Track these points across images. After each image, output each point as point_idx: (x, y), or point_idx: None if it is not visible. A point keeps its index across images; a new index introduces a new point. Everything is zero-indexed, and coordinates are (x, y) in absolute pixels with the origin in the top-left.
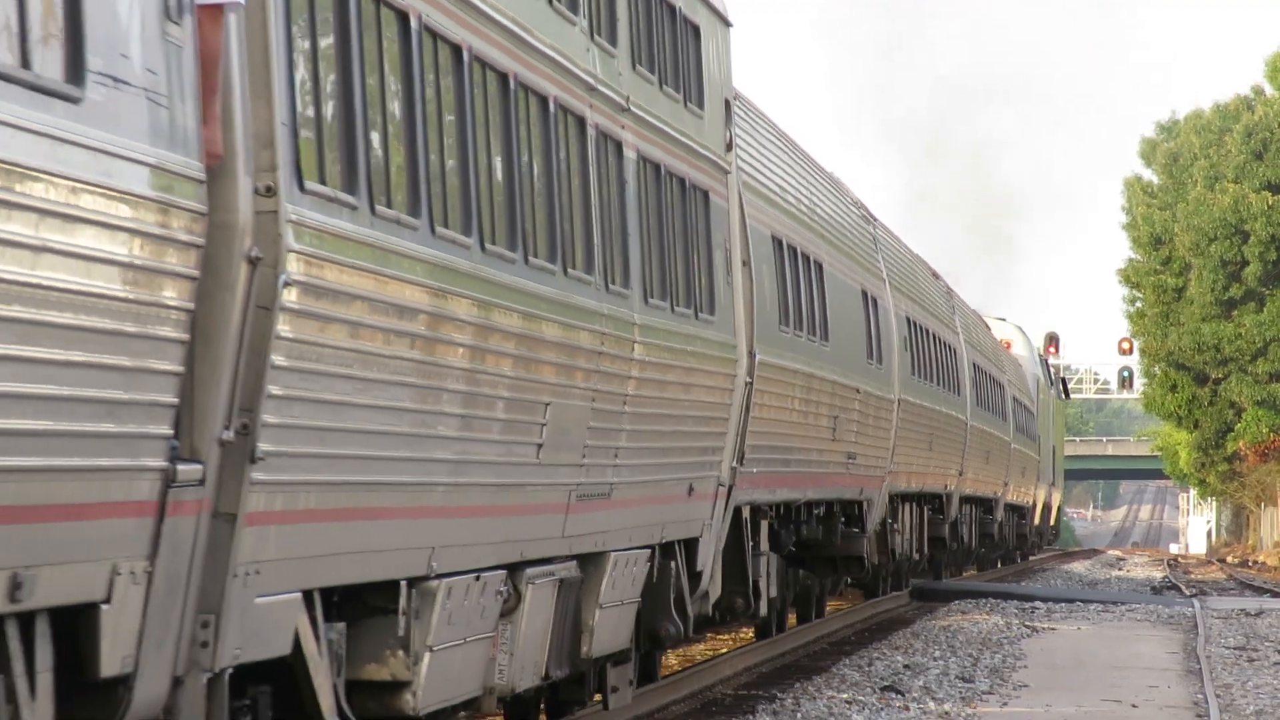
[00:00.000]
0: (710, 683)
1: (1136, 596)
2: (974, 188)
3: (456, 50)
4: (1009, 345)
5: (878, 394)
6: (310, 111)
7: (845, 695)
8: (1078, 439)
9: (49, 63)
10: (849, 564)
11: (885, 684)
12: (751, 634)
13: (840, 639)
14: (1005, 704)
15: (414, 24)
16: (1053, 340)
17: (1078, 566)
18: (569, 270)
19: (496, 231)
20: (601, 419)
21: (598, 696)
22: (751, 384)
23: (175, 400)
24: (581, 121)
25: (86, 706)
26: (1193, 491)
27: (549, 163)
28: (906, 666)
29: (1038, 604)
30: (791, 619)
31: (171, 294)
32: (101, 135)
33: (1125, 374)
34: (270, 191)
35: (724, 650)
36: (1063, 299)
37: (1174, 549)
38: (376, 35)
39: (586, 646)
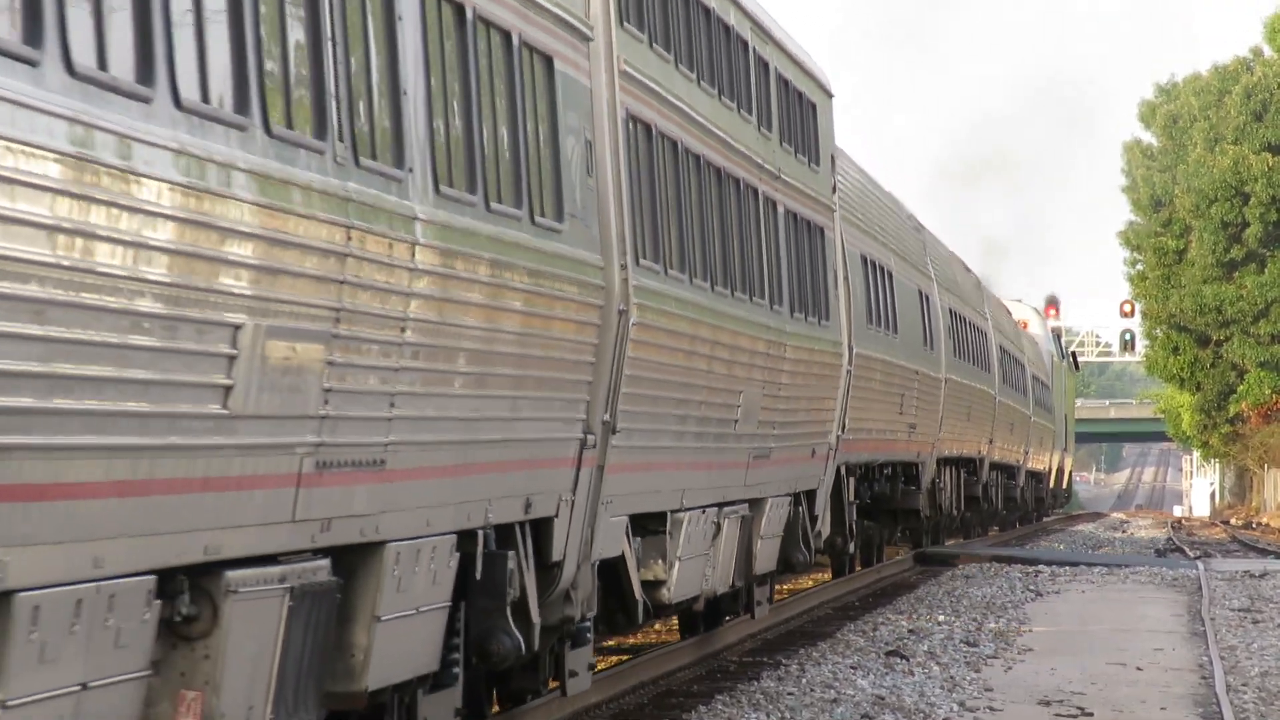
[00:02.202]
0: (715, 649)
1: (1140, 559)
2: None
3: (698, 159)
4: (1025, 325)
5: (930, 374)
6: (642, 221)
7: (850, 660)
8: (1080, 402)
9: (543, 207)
10: (906, 516)
11: (890, 649)
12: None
13: (845, 604)
14: (1010, 668)
15: (680, 149)
16: (1053, 303)
17: (1081, 530)
18: (754, 297)
19: (730, 278)
20: (768, 401)
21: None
22: (851, 371)
23: (587, 398)
24: (755, 191)
25: (544, 578)
26: (1196, 454)
27: (744, 227)
28: (911, 631)
29: (1042, 567)
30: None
31: (590, 337)
32: (571, 250)
33: (1127, 337)
34: (624, 269)
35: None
36: (1063, 261)
37: (1177, 511)
38: (676, 171)
39: (754, 566)
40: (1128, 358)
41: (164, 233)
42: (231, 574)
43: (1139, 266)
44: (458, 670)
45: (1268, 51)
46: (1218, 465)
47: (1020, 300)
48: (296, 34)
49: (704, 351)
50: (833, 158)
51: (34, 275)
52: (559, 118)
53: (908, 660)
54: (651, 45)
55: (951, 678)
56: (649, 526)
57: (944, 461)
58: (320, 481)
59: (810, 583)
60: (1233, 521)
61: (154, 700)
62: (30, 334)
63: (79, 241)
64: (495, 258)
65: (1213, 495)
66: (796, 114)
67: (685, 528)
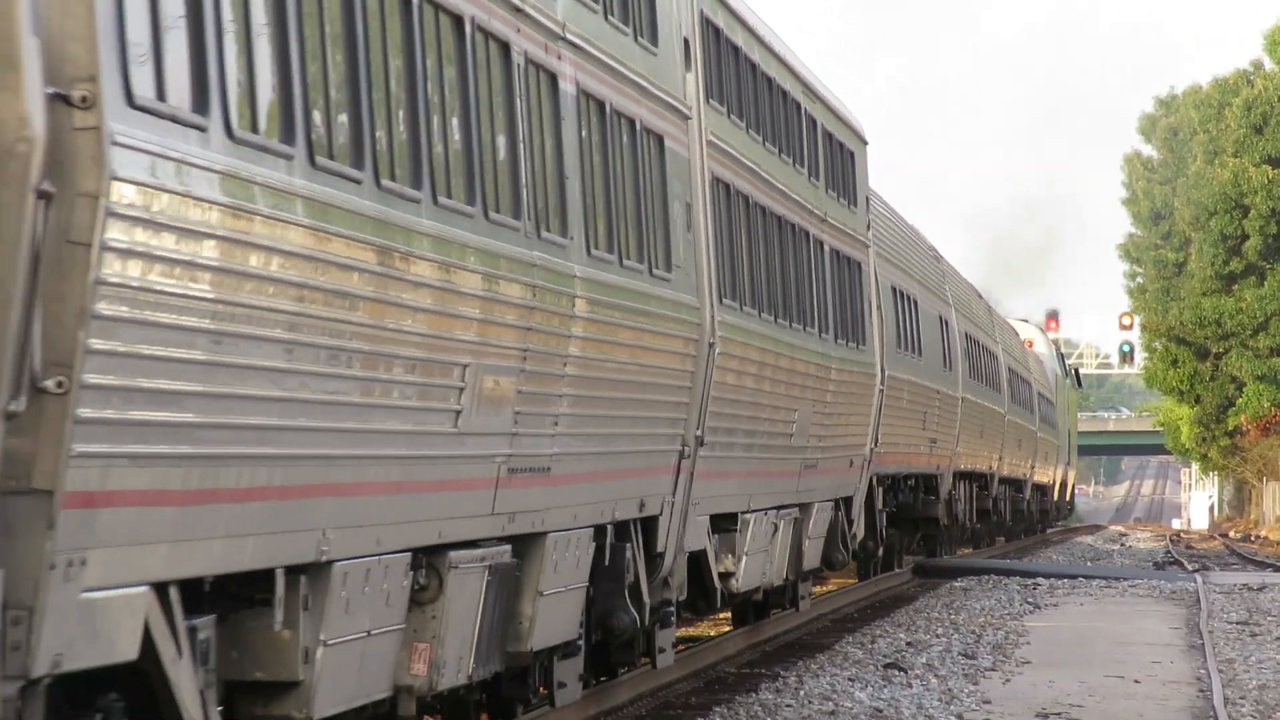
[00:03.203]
0: (713, 661)
1: (1139, 572)
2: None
3: (764, 210)
4: (1031, 344)
5: (950, 393)
6: (724, 266)
7: (848, 673)
8: (1080, 415)
9: (658, 260)
10: (926, 524)
11: (888, 661)
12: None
13: (843, 616)
14: (1008, 680)
15: (751, 203)
16: (1052, 316)
17: (1080, 542)
18: (807, 327)
19: (789, 311)
20: (816, 418)
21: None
22: (883, 391)
23: (685, 416)
24: (807, 234)
25: (650, 566)
26: (1194, 466)
27: (798, 266)
28: (909, 644)
29: (1040, 580)
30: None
31: (688, 365)
32: (677, 295)
33: (1126, 349)
34: (712, 307)
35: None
36: (1062, 273)
37: (1176, 524)
38: (748, 221)
39: (803, 563)
40: (1127, 370)
41: (426, 299)
42: (453, 554)
43: (1139, 279)
44: (579, 642)
45: (1268, 64)
46: (1216, 478)
47: (1026, 320)
48: (502, 136)
49: (769, 375)
50: (867, 199)
51: (354, 332)
52: (668, 185)
53: (906, 672)
54: (729, 116)
55: (949, 690)
56: (722, 525)
57: (959, 475)
58: (510, 484)
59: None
60: (1231, 534)
61: (400, 649)
62: (348, 375)
63: (383, 309)
64: (627, 304)
65: (1211, 508)
66: (838, 162)
67: (751, 527)
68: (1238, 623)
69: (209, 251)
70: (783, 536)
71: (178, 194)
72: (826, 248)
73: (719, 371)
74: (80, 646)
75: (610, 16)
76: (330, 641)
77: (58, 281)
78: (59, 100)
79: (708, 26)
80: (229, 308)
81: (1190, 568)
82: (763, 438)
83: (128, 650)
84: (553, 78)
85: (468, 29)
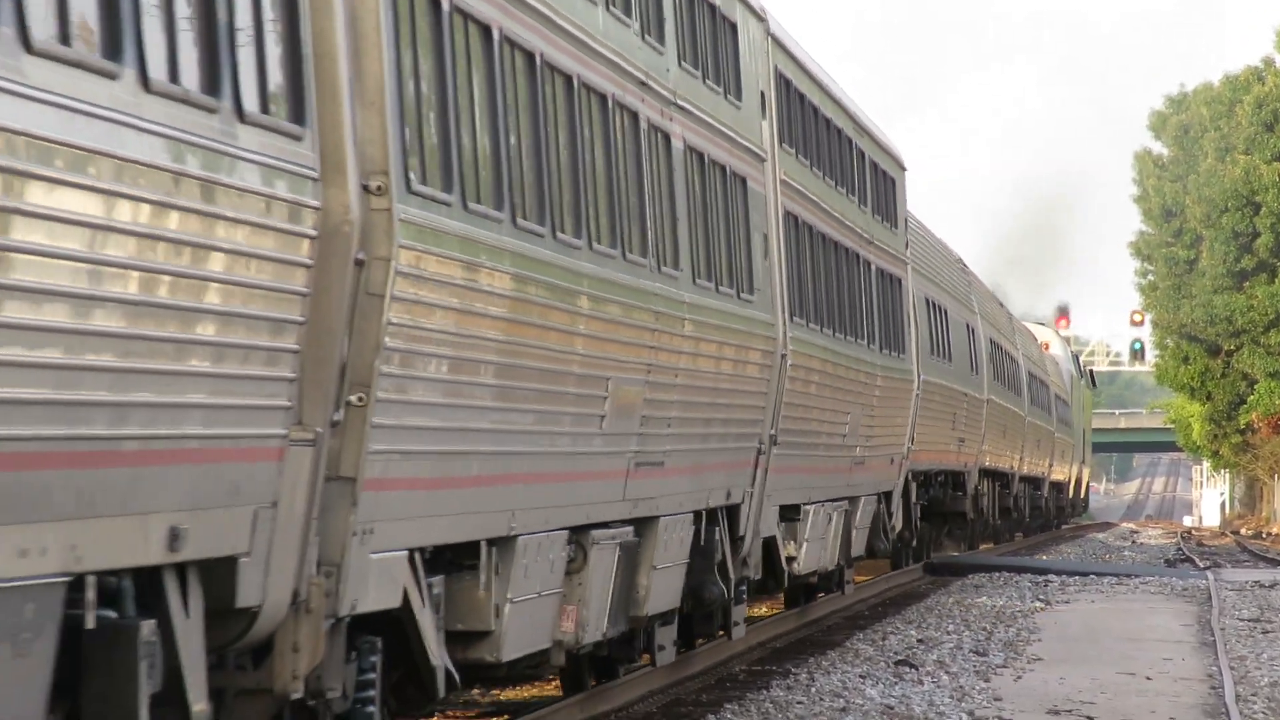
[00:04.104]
0: (724, 658)
1: (1150, 569)
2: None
3: (824, 237)
4: (1047, 346)
5: (976, 396)
6: (794, 287)
7: (859, 669)
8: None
9: (744, 285)
10: (954, 518)
11: (899, 658)
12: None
13: (854, 613)
14: (1019, 677)
15: (814, 231)
16: (1064, 312)
17: (1092, 539)
18: (858, 339)
19: (844, 325)
20: (864, 419)
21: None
22: (919, 394)
23: (763, 418)
24: (858, 256)
25: (733, 548)
26: (1206, 464)
27: (851, 285)
28: (920, 640)
29: (1051, 577)
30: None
31: (766, 375)
32: (757, 314)
33: (1137, 346)
34: (784, 324)
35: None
36: (1072, 270)
37: (1187, 521)
38: (811, 248)
39: (851, 550)
40: (1138, 367)
41: (587, 327)
42: (595, 532)
43: (1149, 276)
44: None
45: (1279, 61)
46: (1228, 475)
47: (1042, 324)
48: (633, 190)
49: (829, 383)
50: (905, 220)
51: (539, 355)
52: (750, 220)
53: (917, 669)
54: (797, 156)
55: (961, 687)
56: (786, 515)
57: (983, 472)
58: (635, 475)
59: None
60: (1243, 531)
61: (556, 610)
62: (534, 388)
63: (558, 336)
64: (722, 324)
65: (1223, 505)
66: (882, 188)
67: (811, 517)
68: (1249, 620)
69: (451, 298)
70: (835, 526)
71: (435, 255)
72: (873, 267)
73: (789, 380)
74: (368, 595)
75: (707, 80)
76: (514, 600)
77: (361, 323)
78: (362, 189)
79: (779, 79)
80: (466, 339)
81: (1202, 565)
82: (822, 438)
83: (394, 599)
84: (666, 137)
85: (610, 105)
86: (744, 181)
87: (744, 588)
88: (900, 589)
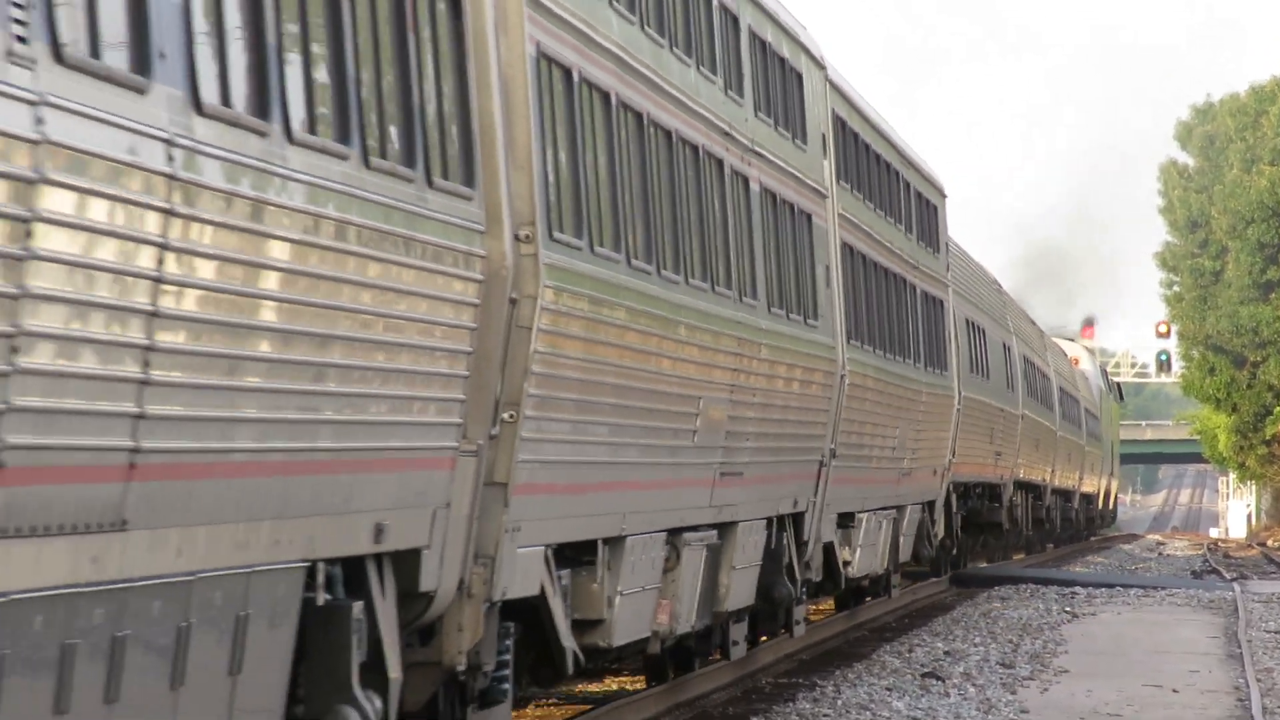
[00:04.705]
0: (750, 670)
1: (1176, 581)
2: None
3: (876, 264)
4: (1077, 362)
5: (1011, 411)
6: (852, 313)
7: (885, 682)
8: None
9: (809, 312)
10: (990, 528)
11: (926, 670)
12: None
13: (881, 625)
14: (1046, 690)
15: (868, 260)
16: (1089, 323)
17: (1118, 550)
18: (906, 358)
19: (894, 345)
20: (912, 433)
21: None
22: (960, 410)
23: (824, 434)
24: (905, 280)
25: (798, 551)
26: (1232, 475)
27: (900, 307)
28: (947, 653)
29: (1078, 589)
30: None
31: (828, 394)
32: (820, 338)
33: (1163, 357)
34: (843, 347)
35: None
36: (1097, 281)
37: (1214, 533)
38: (866, 275)
39: (899, 555)
40: (1164, 378)
41: (685, 353)
42: (686, 534)
43: (1175, 288)
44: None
45: None
46: (1254, 487)
47: (1073, 339)
48: (719, 229)
49: (881, 400)
50: (946, 245)
51: (647, 377)
52: (814, 253)
53: (943, 682)
54: (853, 191)
55: (987, 699)
56: (842, 522)
57: (1018, 485)
58: (719, 484)
59: (829, 610)
60: (1269, 543)
61: (654, 603)
62: (641, 406)
63: (662, 361)
64: (792, 349)
65: (1249, 517)
66: (925, 215)
67: (864, 524)
68: (1276, 631)
69: (581, 329)
70: (885, 532)
71: (569, 292)
72: (918, 290)
73: (847, 398)
74: (515, 583)
75: (779, 127)
76: (623, 592)
77: (513, 352)
78: (514, 239)
79: (837, 120)
80: (591, 364)
81: (1228, 576)
82: (875, 450)
83: (534, 588)
84: (746, 181)
85: (700, 154)
86: (809, 217)
87: (804, 589)
88: (927, 601)
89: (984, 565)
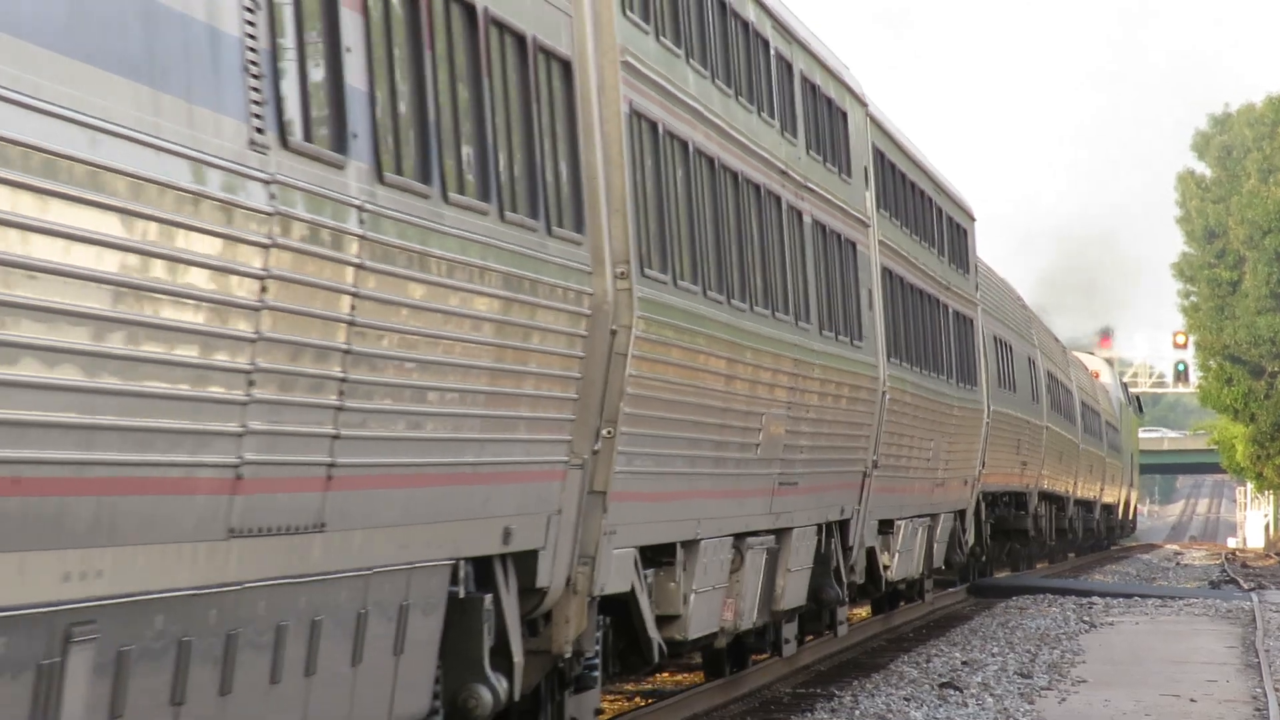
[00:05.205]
0: (768, 680)
1: (1194, 591)
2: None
3: (914, 287)
4: (1097, 375)
5: (1036, 423)
6: (893, 332)
7: (903, 692)
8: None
9: (855, 334)
10: (1016, 536)
11: (944, 680)
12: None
13: (899, 635)
14: (1064, 699)
15: (906, 283)
16: (1106, 334)
17: (1136, 560)
18: (940, 374)
19: (929, 362)
20: (945, 446)
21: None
22: (989, 423)
23: (867, 446)
24: (938, 301)
25: (844, 556)
26: (1250, 485)
27: (934, 327)
28: (965, 663)
29: (1095, 599)
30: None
31: (870, 409)
32: (864, 357)
33: (1180, 367)
34: (885, 365)
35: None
36: (1114, 292)
37: (1231, 543)
38: (904, 298)
39: (932, 560)
40: (1181, 389)
41: (753, 373)
42: (749, 539)
43: (1192, 298)
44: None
45: None
46: (1272, 496)
47: (1092, 352)
48: (778, 261)
49: (918, 415)
50: (975, 265)
51: (719, 395)
52: (858, 278)
53: (961, 692)
54: (891, 219)
55: (1005, 709)
56: (882, 528)
57: (1042, 495)
58: (778, 493)
59: (864, 614)
60: None
61: (721, 601)
62: (713, 423)
63: (734, 383)
64: (840, 368)
65: (1267, 527)
66: (956, 238)
67: (902, 530)
68: None
69: (666, 354)
70: (920, 539)
71: (658, 322)
72: (951, 310)
73: (888, 413)
74: (611, 580)
75: (827, 163)
76: (697, 591)
77: (612, 376)
78: (613, 276)
79: (876, 153)
80: (672, 385)
81: (1246, 586)
82: (912, 462)
83: (626, 585)
84: (800, 215)
85: (762, 193)
86: (854, 246)
87: (849, 591)
88: (944, 610)
89: (1003, 575)
